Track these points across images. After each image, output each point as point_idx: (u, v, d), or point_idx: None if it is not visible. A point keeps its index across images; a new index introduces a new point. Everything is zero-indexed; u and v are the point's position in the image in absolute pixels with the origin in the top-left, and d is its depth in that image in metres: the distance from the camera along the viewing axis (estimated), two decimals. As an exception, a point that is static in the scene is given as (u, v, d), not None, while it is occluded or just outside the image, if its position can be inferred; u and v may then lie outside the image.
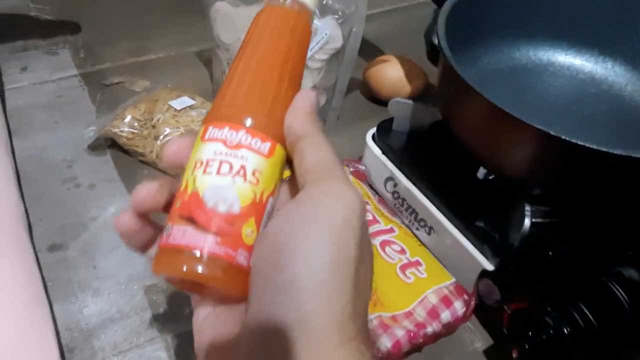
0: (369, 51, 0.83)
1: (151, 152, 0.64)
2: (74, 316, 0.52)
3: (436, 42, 0.82)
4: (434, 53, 0.85)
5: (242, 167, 0.30)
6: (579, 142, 0.44)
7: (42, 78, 0.74)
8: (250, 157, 0.30)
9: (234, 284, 0.30)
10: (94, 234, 0.58)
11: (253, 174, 0.30)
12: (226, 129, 0.31)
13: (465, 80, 0.48)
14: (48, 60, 0.77)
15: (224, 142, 0.30)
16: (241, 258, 0.29)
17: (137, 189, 0.32)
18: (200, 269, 0.29)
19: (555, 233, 0.52)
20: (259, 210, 0.30)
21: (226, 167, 0.30)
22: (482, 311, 0.53)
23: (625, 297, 0.45)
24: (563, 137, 0.44)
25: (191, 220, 0.29)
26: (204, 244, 0.29)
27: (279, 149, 0.32)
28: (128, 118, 0.64)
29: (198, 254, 0.29)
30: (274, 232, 0.29)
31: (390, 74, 0.73)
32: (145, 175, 0.64)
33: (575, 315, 0.46)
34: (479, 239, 0.54)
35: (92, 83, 0.74)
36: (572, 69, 0.66)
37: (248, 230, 0.30)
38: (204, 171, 0.30)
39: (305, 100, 0.33)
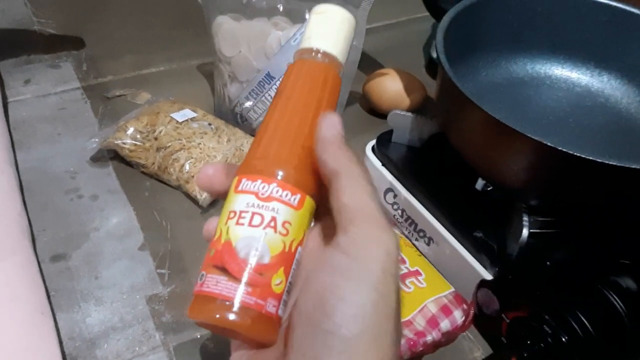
0: (368, 65, 0.84)
1: (153, 163, 0.64)
2: (76, 325, 0.52)
3: (435, 55, 0.84)
4: (432, 66, 0.86)
5: (273, 218, 0.31)
6: (575, 153, 0.45)
7: (45, 91, 0.75)
8: (281, 209, 0.31)
9: (263, 331, 0.31)
10: (96, 244, 0.59)
11: (283, 225, 0.31)
12: (258, 182, 0.32)
13: (464, 94, 0.49)
14: (51, 73, 0.78)
15: (256, 195, 0.32)
16: (270, 306, 0.31)
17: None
18: (231, 317, 0.30)
19: (553, 243, 0.53)
20: (288, 260, 0.32)
21: (258, 219, 0.31)
22: (481, 320, 0.54)
23: (622, 305, 0.46)
24: (560, 149, 0.45)
25: (224, 270, 0.31)
26: (235, 293, 0.30)
27: (308, 200, 0.33)
28: (130, 130, 0.65)
29: (229, 303, 0.30)
30: (318, 281, 0.30)
31: (390, 87, 0.74)
32: (148, 186, 0.65)
33: (573, 323, 0.46)
34: (477, 249, 0.54)
35: (94, 96, 0.75)
36: (569, 82, 0.67)
37: (277, 281, 0.31)
38: (237, 222, 0.31)
39: (332, 130, 0.33)
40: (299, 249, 0.33)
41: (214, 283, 0.31)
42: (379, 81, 0.75)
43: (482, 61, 0.65)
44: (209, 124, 0.66)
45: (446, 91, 0.54)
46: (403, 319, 0.50)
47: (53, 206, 0.62)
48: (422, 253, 0.57)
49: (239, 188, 0.32)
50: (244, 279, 0.30)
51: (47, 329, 0.49)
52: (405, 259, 0.54)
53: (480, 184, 0.59)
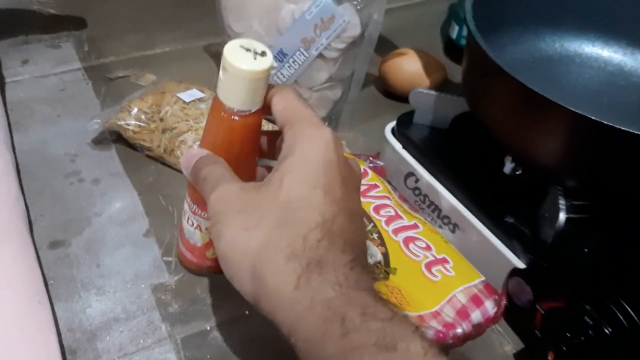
0: (384, 46, 0.80)
1: (158, 146, 0.60)
2: (76, 316, 0.48)
3: (454, 36, 0.80)
4: (451, 47, 0.82)
5: (198, 225, 0.45)
6: (622, 127, 0.41)
7: (44, 71, 0.71)
8: (202, 221, 0.45)
9: (205, 269, 0.48)
10: (98, 230, 0.55)
11: (206, 229, 0.45)
12: (190, 203, 0.45)
13: (497, 64, 0.46)
14: (50, 53, 0.74)
15: (192, 210, 0.45)
16: (206, 262, 0.47)
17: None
18: (191, 267, 0.48)
19: (590, 228, 0.49)
20: None
21: (191, 223, 0.46)
22: (512, 312, 0.50)
23: (675, 293, 0.42)
24: (605, 122, 0.42)
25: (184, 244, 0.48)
26: (191, 257, 0.48)
27: None
28: (134, 111, 0.61)
29: (191, 262, 0.48)
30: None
31: (408, 67, 0.70)
32: (153, 170, 0.61)
33: (618, 313, 0.43)
34: (508, 235, 0.51)
35: (96, 77, 0.71)
36: (600, 60, 0.63)
37: (210, 253, 0.46)
38: (186, 221, 0.46)
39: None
40: None
41: (184, 250, 0.48)
42: (396, 61, 0.71)
43: (508, 38, 0.61)
44: None
45: (476, 64, 0.51)
46: (430, 310, 0.46)
47: (52, 190, 0.58)
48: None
49: (187, 200, 0.45)
50: (189, 251, 0.47)
51: (44, 319, 0.45)
52: (432, 246, 0.51)
53: (508, 167, 0.55)
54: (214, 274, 0.49)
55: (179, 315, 0.49)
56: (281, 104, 0.38)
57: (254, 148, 0.42)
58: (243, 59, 0.36)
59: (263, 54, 0.37)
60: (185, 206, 0.46)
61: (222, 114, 0.39)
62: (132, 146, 0.62)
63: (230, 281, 0.35)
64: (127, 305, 0.50)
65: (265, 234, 0.33)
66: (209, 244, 0.46)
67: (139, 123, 0.61)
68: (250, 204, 0.34)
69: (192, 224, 0.45)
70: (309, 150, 0.34)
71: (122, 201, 0.58)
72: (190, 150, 0.40)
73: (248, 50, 0.37)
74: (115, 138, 0.63)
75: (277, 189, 0.34)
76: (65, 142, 0.63)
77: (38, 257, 0.50)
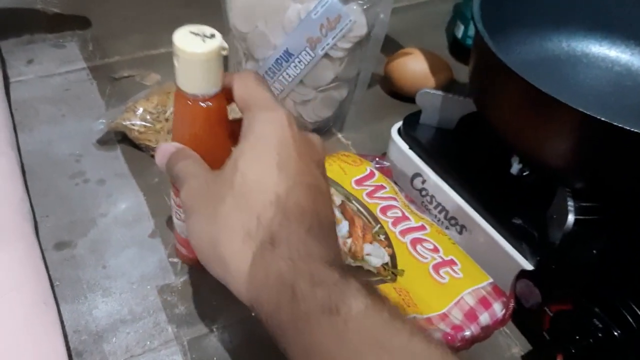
0: (389, 46, 0.80)
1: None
2: (82, 317, 0.48)
3: (459, 35, 0.80)
4: (456, 47, 0.82)
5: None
6: (631, 129, 0.41)
7: (49, 71, 0.71)
8: None
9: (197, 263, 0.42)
10: (103, 231, 0.55)
11: None
12: (174, 197, 0.45)
13: (504, 64, 0.45)
14: (55, 53, 0.74)
15: (177, 204, 0.46)
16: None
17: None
18: (185, 259, 0.51)
19: (599, 230, 0.49)
20: None
21: (179, 216, 0.46)
22: (520, 314, 0.50)
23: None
24: (614, 123, 0.41)
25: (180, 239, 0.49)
26: (186, 252, 0.49)
27: None
28: (140, 111, 0.61)
29: (184, 255, 0.50)
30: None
31: (414, 67, 0.70)
32: (158, 171, 0.60)
33: (627, 315, 0.42)
34: (516, 237, 0.50)
35: (100, 77, 0.71)
36: (607, 60, 0.63)
37: None
38: (175, 216, 0.47)
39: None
40: None
41: (178, 245, 0.50)
42: (402, 61, 0.71)
43: (515, 38, 0.61)
44: None
45: (484, 64, 0.50)
46: (438, 312, 0.46)
47: (57, 191, 0.58)
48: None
49: (171, 195, 0.46)
50: (182, 246, 0.49)
51: (50, 320, 0.45)
52: (439, 247, 0.50)
53: (515, 168, 0.55)
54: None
55: (186, 317, 0.49)
56: (241, 88, 0.38)
57: (222, 134, 0.43)
58: (192, 43, 0.38)
59: (212, 36, 0.38)
60: (171, 201, 0.47)
61: (184, 102, 0.40)
62: (137, 146, 0.62)
63: (208, 271, 0.36)
64: (133, 306, 0.49)
65: (223, 219, 0.34)
66: None
67: (144, 123, 0.61)
68: (212, 193, 0.35)
69: (179, 217, 0.47)
70: (261, 131, 0.35)
71: (127, 202, 0.58)
72: (161, 146, 0.41)
73: (197, 34, 0.38)
74: (120, 138, 0.63)
75: (232, 174, 0.35)
76: (70, 142, 0.62)
77: (44, 258, 0.50)
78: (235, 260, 0.33)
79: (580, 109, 0.42)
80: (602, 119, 0.41)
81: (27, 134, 0.63)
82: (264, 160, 0.35)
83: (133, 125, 0.60)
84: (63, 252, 0.52)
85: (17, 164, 0.57)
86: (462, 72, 0.73)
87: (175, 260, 0.53)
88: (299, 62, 0.60)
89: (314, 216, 0.34)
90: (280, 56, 0.60)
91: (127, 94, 0.67)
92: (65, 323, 0.47)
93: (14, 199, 0.53)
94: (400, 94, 0.73)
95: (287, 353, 0.31)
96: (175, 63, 0.39)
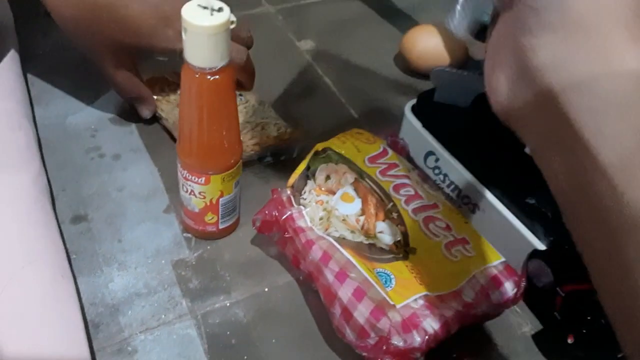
0: (404, 22, 0.79)
1: (174, 122, 0.60)
2: (99, 290, 0.49)
3: (486, 18, 0.78)
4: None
5: (192, 190, 0.49)
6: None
7: (65, 44, 0.71)
8: (194, 186, 0.49)
9: (208, 236, 0.54)
10: (119, 204, 0.55)
11: (199, 193, 0.49)
12: (181, 170, 0.49)
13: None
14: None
15: (183, 176, 0.49)
16: (208, 227, 0.52)
17: None
18: (195, 234, 0.54)
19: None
20: (214, 207, 0.50)
21: (186, 189, 0.49)
22: (531, 294, 0.50)
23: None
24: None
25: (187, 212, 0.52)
26: (192, 224, 0.53)
27: (214, 178, 0.48)
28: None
29: (192, 227, 0.53)
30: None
31: (428, 43, 0.69)
32: (173, 146, 0.60)
33: (640, 297, 0.42)
34: (529, 216, 0.50)
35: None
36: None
37: (209, 217, 0.51)
38: (181, 189, 0.50)
39: None
40: (221, 200, 0.50)
41: (185, 218, 0.53)
42: (416, 37, 0.70)
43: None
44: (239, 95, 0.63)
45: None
46: (450, 290, 0.46)
47: (73, 165, 0.58)
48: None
49: (178, 168, 0.49)
50: (189, 218, 0.52)
51: (67, 293, 0.46)
52: (452, 225, 0.50)
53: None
54: (218, 239, 0.54)
55: (199, 291, 0.50)
56: None
57: (229, 107, 0.44)
58: (199, 17, 0.38)
59: (220, 9, 0.39)
60: (179, 174, 0.49)
61: (191, 75, 0.41)
62: (150, 122, 0.62)
63: None
64: (149, 280, 0.50)
65: None
66: (206, 208, 0.50)
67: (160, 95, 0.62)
68: None
69: (187, 190, 0.49)
70: None
71: (142, 177, 0.58)
72: None
73: (205, 8, 0.39)
74: (135, 112, 0.63)
75: None
76: (85, 116, 0.63)
77: (61, 232, 0.51)
78: None
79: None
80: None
81: (44, 107, 0.63)
82: None
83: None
84: (79, 225, 0.53)
85: (34, 138, 0.57)
86: (479, 49, 0.73)
87: (189, 235, 0.54)
88: None
89: None
90: None
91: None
92: (82, 295, 0.48)
93: (32, 173, 0.53)
94: (415, 71, 0.72)
95: None
96: (184, 36, 0.40)
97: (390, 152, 0.56)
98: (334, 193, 0.53)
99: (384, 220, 0.51)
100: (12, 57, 0.63)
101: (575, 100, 0.26)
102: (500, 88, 0.31)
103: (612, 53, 0.26)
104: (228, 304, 0.49)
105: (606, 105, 0.25)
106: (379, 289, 0.44)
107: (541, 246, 0.49)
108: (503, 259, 0.49)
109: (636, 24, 0.26)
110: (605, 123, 0.25)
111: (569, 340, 0.46)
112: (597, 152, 0.25)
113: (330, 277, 0.45)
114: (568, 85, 0.26)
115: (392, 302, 0.44)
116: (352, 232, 0.50)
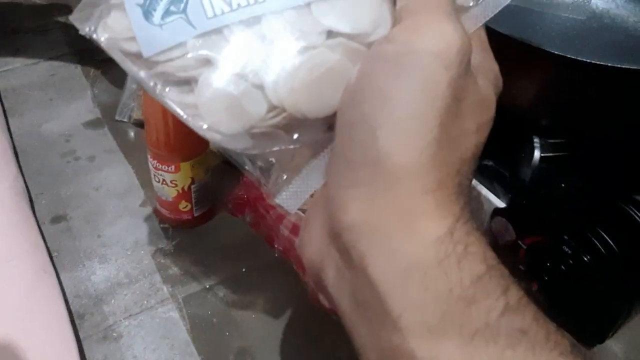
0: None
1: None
2: (82, 283, 0.51)
3: None
4: None
5: (163, 180, 0.52)
6: (584, 59, 0.43)
7: (35, 59, 0.73)
8: (165, 175, 0.51)
9: (182, 224, 0.56)
10: (97, 203, 0.57)
11: (171, 182, 0.51)
12: (152, 160, 0.51)
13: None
14: (39, 41, 0.76)
15: (154, 167, 0.51)
16: (182, 215, 0.54)
17: None
18: (172, 223, 0.56)
19: (567, 165, 0.51)
20: (187, 195, 0.53)
21: (158, 179, 0.52)
22: (496, 250, 0.52)
23: (645, 218, 0.44)
24: (568, 56, 0.43)
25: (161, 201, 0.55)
26: (168, 214, 0.55)
27: (183, 165, 0.50)
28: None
29: (167, 214, 0.55)
30: (357, 75, 0.26)
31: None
32: (144, 144, 0.63)
33: (595, 241, 0.45)
34: (488, 177, 0.53)
35: (85, 60, 0.73)
36: (575, 4, 0.64)
37: (183, 205, 0.53)
38: (154, 179, 0.53)
39: None
40: (193, 187, 0.52)
41: (160, 208, 0.55)
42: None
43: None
44: None
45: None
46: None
47: (50, 170, 0.60)
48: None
49: (149, 159, 0.52)
50: (164, 208, 0.54)
51: (51, 286, 0.48)
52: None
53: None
54: (192, 228, 0.56)
55: (179, 277, 0.52)
56: None
57: None
58: None
59: None
60: (149, 165, 0.52)
61: None
62: (122, 124, 0.64)
63: None
64: (129, 270, 0.52)
65: None
66: (179, 196, 0.52)
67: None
68: None
69: (159, 180, 0.52)
70: (421, 43, 0.26)
71: (117, 175, 0.60)
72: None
73: None
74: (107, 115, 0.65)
75: None
76: (59, 124, 0.65)
77: (41, 232, 0.53)
78: None
79: (542, 47, 0.44)
80: (556, 52, 0.43)
81: (18, 118, 0.65)
82: (400, 87, 0.26)
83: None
84: (59, 224, 0.55)
85: (9, 146, 0.59)
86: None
87: (166, 226, 0.55)
88: None
89: None
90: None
91: (111, 75, 0.69)
92: (65, 290, 0.50)
93: (9, 178, 0.55)
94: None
95: None
96: None
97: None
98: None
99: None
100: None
101: (380, 264, 0.24)
102: (313, 243, 0.28)
103: (416, 219, 0.24)
104: (208, 286, 0.51)
105: (408, 271, 0.24)
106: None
107: (501, 204, 0.51)
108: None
109: (441, 189, 0.25)
110: (406, 289, 0.24)
111: (534, 288, 0.48)
112: (399, 321, 0.24)
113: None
114: (373, 247, 0.25)
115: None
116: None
